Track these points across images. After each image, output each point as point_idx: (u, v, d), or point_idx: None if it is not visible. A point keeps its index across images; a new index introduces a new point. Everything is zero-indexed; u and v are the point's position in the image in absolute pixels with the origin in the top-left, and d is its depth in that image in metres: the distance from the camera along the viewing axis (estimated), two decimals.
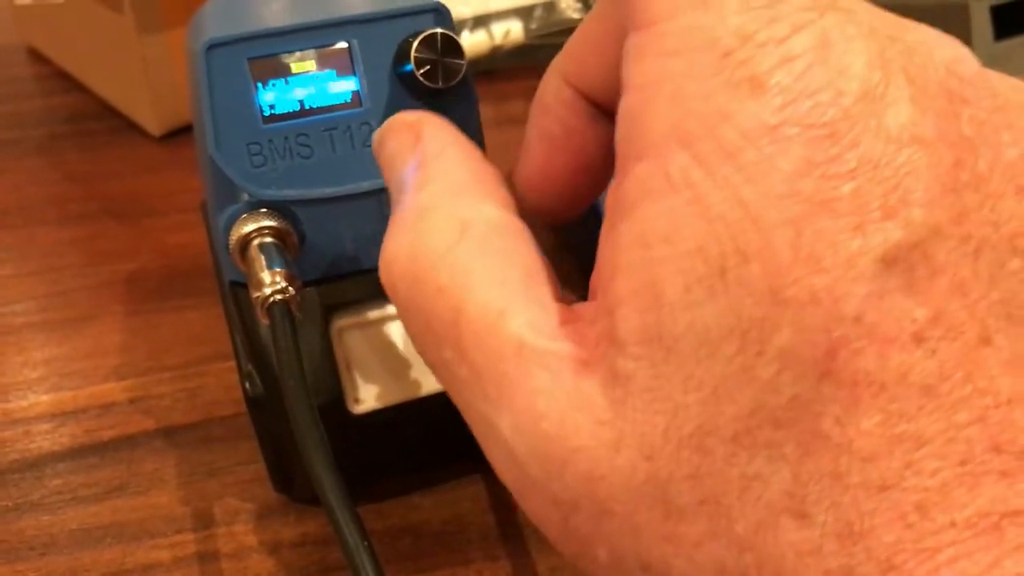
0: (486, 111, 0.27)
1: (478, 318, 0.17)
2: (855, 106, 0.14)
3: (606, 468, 0.15)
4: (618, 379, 0.15)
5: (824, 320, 0.14)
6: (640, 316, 0.15)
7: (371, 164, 0.23)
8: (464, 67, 0.24)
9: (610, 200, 0.17)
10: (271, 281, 0.22)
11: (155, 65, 0.48)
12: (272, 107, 0.24)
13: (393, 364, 0.26)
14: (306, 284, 0.24)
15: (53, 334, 0.37)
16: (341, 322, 0.26)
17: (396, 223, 0.19)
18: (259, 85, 0.24)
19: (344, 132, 0.25)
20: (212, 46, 0.24)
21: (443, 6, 0.25)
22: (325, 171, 0.24)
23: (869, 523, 0.14)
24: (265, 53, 0.24)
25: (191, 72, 0.25)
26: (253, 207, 0.24)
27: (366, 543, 0.20)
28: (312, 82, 0.24)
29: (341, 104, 0.25)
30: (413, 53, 0.24)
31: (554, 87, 0.21)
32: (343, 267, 0.25)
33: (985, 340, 0.14)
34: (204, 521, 0.28)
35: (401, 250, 0.19)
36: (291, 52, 0.24)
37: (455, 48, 0.24)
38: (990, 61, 0.16)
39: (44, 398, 0.33)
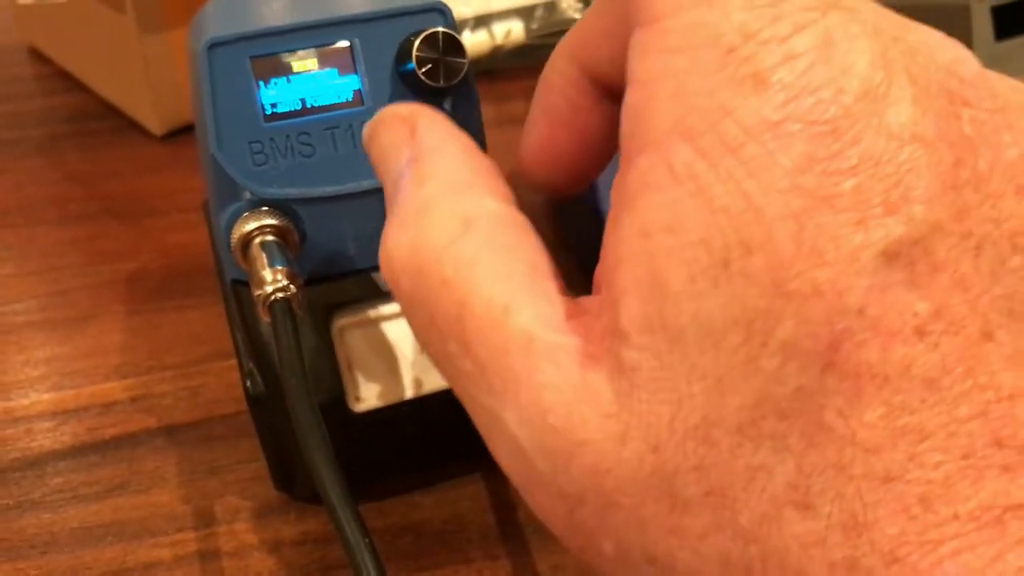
0: (487, 111, 0.27)
1: (483, 312, 0.17)
2: (857, 104, 0.15)
3: (612, 461, 0.15)
4: (623, 371, 0.15)
5: (827, 313, 0.14)
6: (643, 305, 0.15)
7: None
8: (466, 66, 0.24)
9: (614, 194, 0.17)
10: (272, 279, 0.22)
11: (156, 65, 0.48)
12: (274, 106, 0.24)
13: (394, 363, 0.26)
14: (307, 283, 0.24)
15: (54, 333, 0.37)
16: (342, 321, 0.26)
17: (395, 218, 0.19)
18: (261, 84, 0.24)
19: (346, 131, 0.25)
20: (214, 45, 0.24)
21: (445, 5, 0.25)
22: (326, 170, 0.25)
23: (873, 515, 0.14)
24: (267, 52, 0.24)
25: (193, 71, 0.25)
26: (255, 205, 0.24)
27: (367, 541, 0.20)
28: (314, 81, 0.24)
29: (343, 103, 0.25)
30: (415, 52, 0.24)
31: (561, 66, 0.21)
32: (344, 266, 0.25)
33: (987, 335, 0.14)
34: (205, 519, 0.28)
35: (403, 244, 0.18)
36: (293, 51, 0.24)
37: (457, 47, 0.24)
38: (991, 61, 0.16)
39: (45, 396, 0.33)
